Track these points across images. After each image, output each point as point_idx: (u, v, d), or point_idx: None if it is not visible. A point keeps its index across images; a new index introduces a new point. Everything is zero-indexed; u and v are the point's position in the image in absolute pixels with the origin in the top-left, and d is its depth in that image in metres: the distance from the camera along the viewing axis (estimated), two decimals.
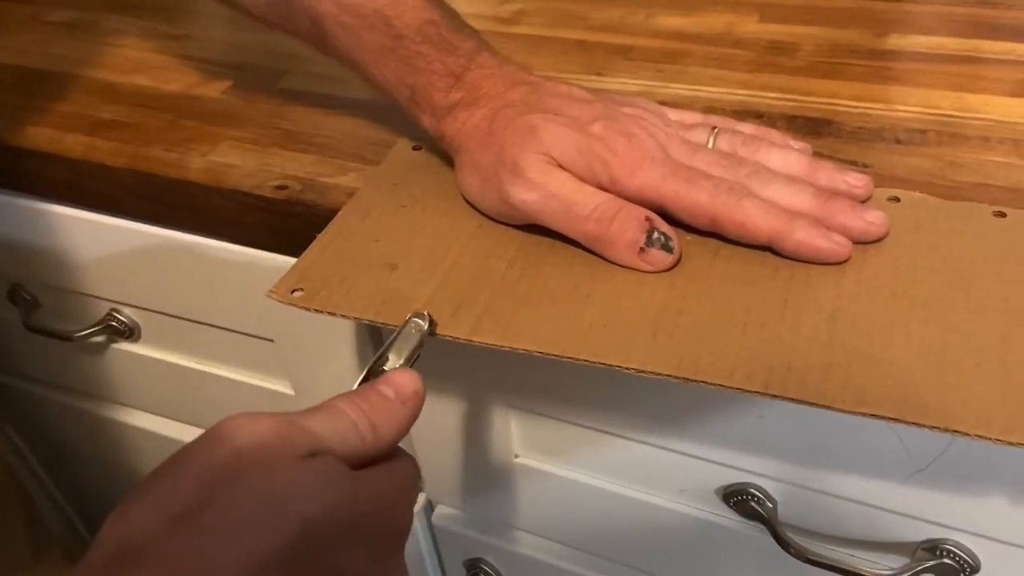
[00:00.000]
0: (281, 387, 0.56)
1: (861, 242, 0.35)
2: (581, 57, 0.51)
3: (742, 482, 0.44)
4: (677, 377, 0.31)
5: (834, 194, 0.36)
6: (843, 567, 0.41)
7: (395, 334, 0.33)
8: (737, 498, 0.44)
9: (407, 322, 0.34)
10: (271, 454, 0.25)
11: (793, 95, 0.45)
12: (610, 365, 0.32)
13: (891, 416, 0.29)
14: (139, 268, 0.53)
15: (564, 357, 0.32)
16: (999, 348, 0.30)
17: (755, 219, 0.35)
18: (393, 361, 0.32)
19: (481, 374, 0.45)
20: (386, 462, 0.29)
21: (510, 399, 0.46)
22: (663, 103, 0.42)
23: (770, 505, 0.43)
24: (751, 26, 0.52)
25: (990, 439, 0.28)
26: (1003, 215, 0.36)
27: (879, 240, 0.35)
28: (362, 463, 0.28)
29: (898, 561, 0.41)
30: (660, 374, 0.31)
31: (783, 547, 0.42)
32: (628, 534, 0.50)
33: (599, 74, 0.49)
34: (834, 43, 0.49)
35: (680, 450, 0.43)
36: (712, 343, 0.32)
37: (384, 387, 0.30)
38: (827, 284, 0.34)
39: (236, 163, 0.44)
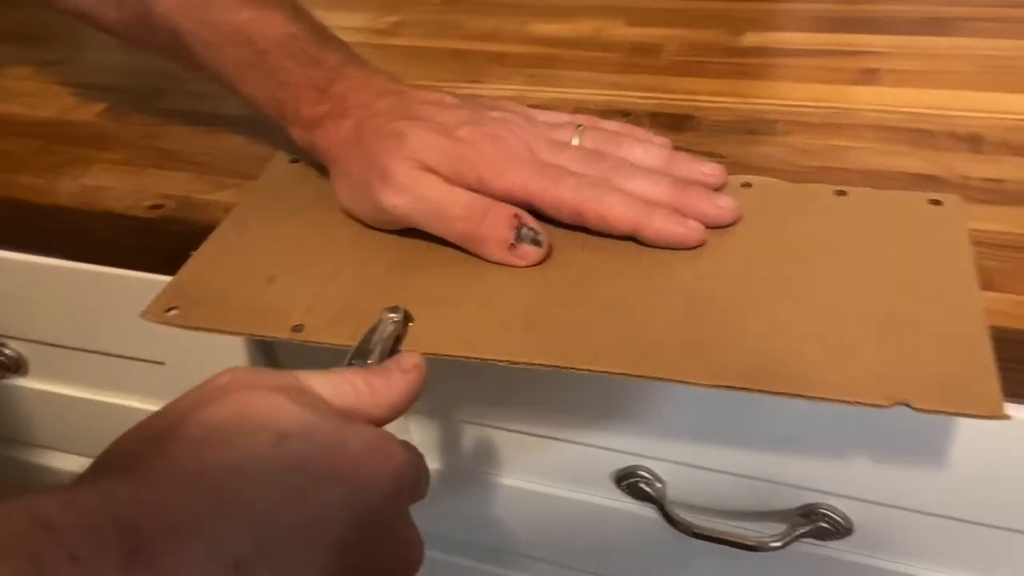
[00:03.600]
0: None
1: (716, 226, 0.37)
2: (457, 66, 0.53)
3: (631, 465, 0.46)
4: (548, 366, 0.32)
5: (690, 184, 0.38)
6: (729, 538, 0.43)
7: (368, 332, 0.33)
8: (628, 481, 0.46)
9: (380, 319, 0.34)
10: (250, 383, 0.25)
11: (657, 93, 0.48)
12: (485, 359, 0.33)
13: (742, 386, 0.31)
14: (20, 299, 0.51)
15: (440, 355, 0.33)
16: (838, 316, 0.33)
17: (616, 211, 0.36)
18: (375, 357, 0.32)
19: None
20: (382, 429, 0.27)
21: None
22: (534, 106, 0.43)
23: (659, 485, 0.45)
24: (618, 30, 0.54)
25: (831, 400, 0.30)
26: (844, 193, 0.38)
27: (733, 223, 0.37)
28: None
29: (779, 528, 0.43)
30: (533, 364, 0.32)
31: (672, 525, 0.44)
32: (529, 527, 0.51)
33: (474, 81, 0.51)
34: (695, 43, 0.52)
35: (572, 439, 0.45)
36: (581, 330, 0.34)
37: (385, 363, 0.30)
38: (686, 267, 0.36)
39: (109, 185, 0.44)
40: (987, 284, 0.33)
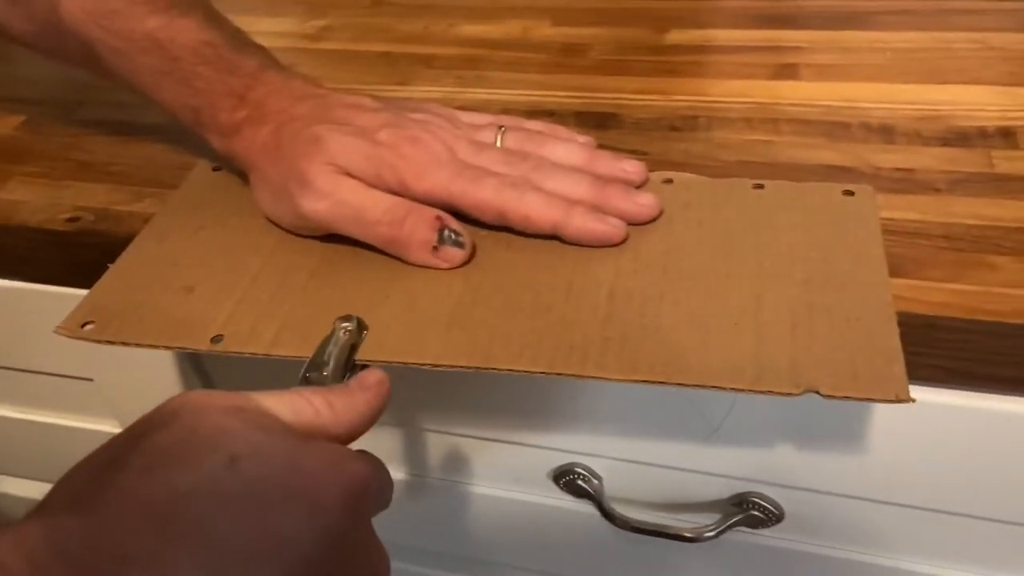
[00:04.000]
0: (109, 427, 0.54)
1: (637, 223, 0.38)
2: (385, 69, 0.53)
3: (568, 463, 0.46)
4: (469, 367, 0.32)
5: (611, 182, 0.38)
6: (665, 531, 0.44)
7: (322, 343, 0.33)
8: (566, 479, 0.46)
9: (333, 329, 0.33)
10: (200, 407, 0.24)
11: (582, 93, 0.48)
12: (406, 362, 0.33)
13: (658, 380, 0.31)
14: None
15: (363, 361, 0.33)
16: (753, 308, 0.33)
17: (538, 210, 0.36)
18: (330, 369, 0.31)
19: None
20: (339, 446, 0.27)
21: None
22: (462, 108, 0.43)
23: (596, 482, 0.46)
24: (545, 30, 0.55)
25: (743, 390, 0.30)
26: (761, 187, 0.39)
27: (653, 220, 0.38)
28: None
29: (712, 518, 0.43)
30: (454, 366, 0.32)
31: (609, 520, 0.45)
32: (471, 529, 0.51)
33: (402, 84, 0.51)
34: (621, 42, 0.52)
35: (509, 439, 0.45)
36: (502, 330, 0.34)
37: (347, 381, 0.29)
38: (607, 264, 0.36)
39: (25, 199, 0.43)
40: (896, 271, 0.34)
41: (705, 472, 0.43)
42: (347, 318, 0.34)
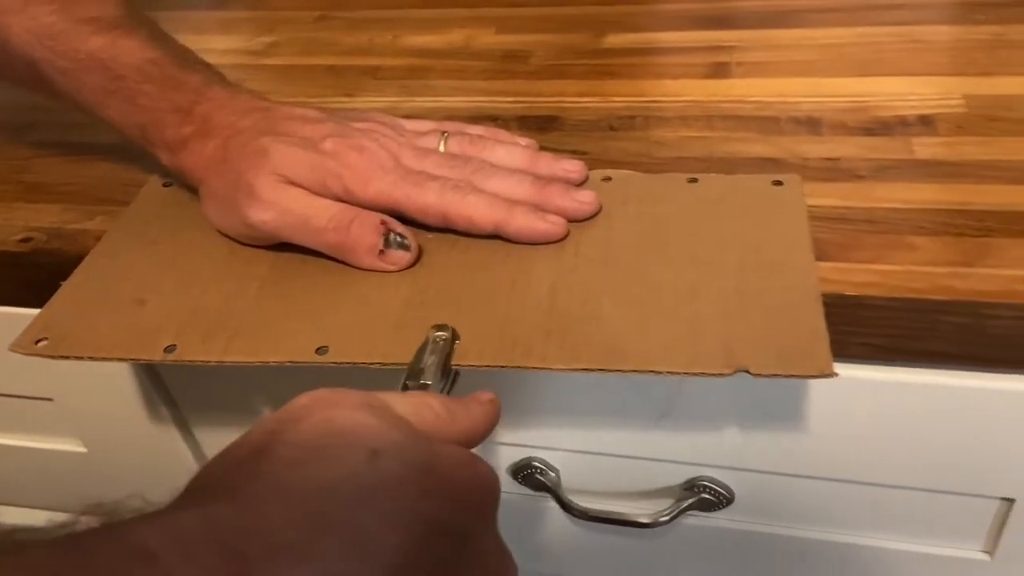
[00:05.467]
0: (71, 446, 0.54)
1: (577, 220, 0.39)
2: (331, 81, 0.54)
3: (526, 457, 0.47)
4: None
5: (551, 181, 0.40)
6: (621, 519, 0.45)
7: (418, 352, 0.33)
8: (524, 473, 0.47)
9: (428, 338, 0.34)
10: (332, 402, 0.25)
11: (525, 97, 0.49)
12: (356, 363, 0.34)
13: (598, 367, 0.32)
14: None
15: (313, 363, 0.34)
16: (688, 296, 0.35)
17: (480, 211, 0.38)
18: (429, 376, 0.32)
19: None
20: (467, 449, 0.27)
21: None
22: (407, 116, 0.44)
23: (552, 474, 0.47)
24: (489, 38, 0.56)
25: (678, 373, 0.32)
26: (695, 180, 0.41)
27: (593, 216, 0.39)
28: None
29: (666, 504, 0.45)
30: (400, 364, 0.33)
31: (567, 511, 0.46)
32: None
33: (348, 95, 0.52)
34: (562, 47, 0.54)
35: None
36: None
37: (468, 396, 0.30)
38: (549, 261, 0.37)
39: None
40: (822, 255, 0.35)
41: (657, 459, 0.44)
42: (442, 327, 0.34)
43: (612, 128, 0.46)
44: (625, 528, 0.46)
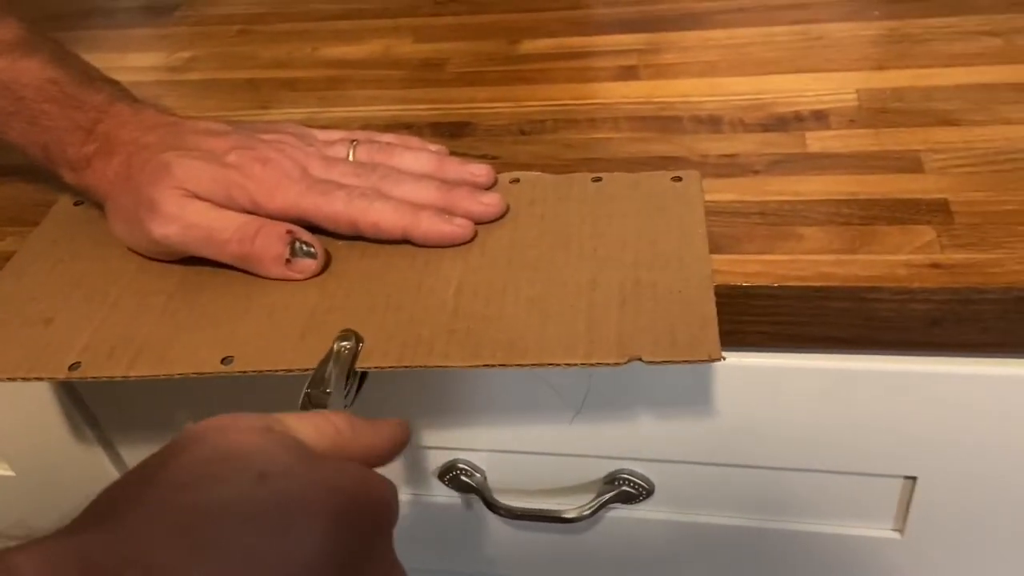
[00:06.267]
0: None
1: (484, 222, 0.40)
2: (249, 95, 0.54)
3: (451, 460, 0.47)
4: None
5: (458, 185, 0.41)
6: (546, 516, 0.46)
7: (322, 361, 0.33)
8: (451, 475, 0.48)
9: (332, 348, 0.34)
10: (225, 427, 0.25)
11: (439, 104, 0.50)
12: (261, 371, 0.34)
13: (499, 363, 0.33)
14: None
15: (218, 374, 0.34)
16: (588, 290, 0.36)
17: (386, 217, 0.38)
18: (330, 384, 0.32)
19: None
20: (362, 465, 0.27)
21: None
22: (322, 127, 0.45)
23: (478, 475, 0.47)
24: (406, 47, 0.57)
25: (575, 364, 0.33)
26: (600, 180, 0.42)
27: (500, 218, 0.40)
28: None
29: (588, 498, 0.46)
30: (307, 369, 0.34)
31: (494, 511, 0.46)
32: None
33: (264, 108, 0.52)
34: (477, 54, 0.55)
35: None
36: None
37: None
38: (455, 263, 0.38)
39: None
40: (716, 247, 0.37)
41: (578, 455, 0.45)
42: (345, 336, 0.35)
43: (523, 132, 0.47)
44: (553, 524, 0.47)
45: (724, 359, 0.31)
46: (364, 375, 0.34)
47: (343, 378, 0.33)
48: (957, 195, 0.37)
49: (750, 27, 0.53)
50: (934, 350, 0.36)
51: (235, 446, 0.24)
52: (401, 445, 0.30)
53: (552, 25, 0.57)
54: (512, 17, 0.59)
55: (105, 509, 0.23)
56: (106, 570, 0.20)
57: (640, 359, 0.32)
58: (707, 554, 0.48)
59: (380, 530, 0.25)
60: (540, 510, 0.46)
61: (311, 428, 0.27)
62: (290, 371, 0.34)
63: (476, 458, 0.47)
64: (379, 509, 0.25)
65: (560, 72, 0.52)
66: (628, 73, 0.50)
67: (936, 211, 0.37)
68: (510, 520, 0.48)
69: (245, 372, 0.34)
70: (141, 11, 0.69)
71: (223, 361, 0.35)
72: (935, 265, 0.34)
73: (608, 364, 0.32)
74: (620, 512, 0.48)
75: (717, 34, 0.52)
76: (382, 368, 0.34)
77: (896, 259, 0.35)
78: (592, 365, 0.32)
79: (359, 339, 0.35)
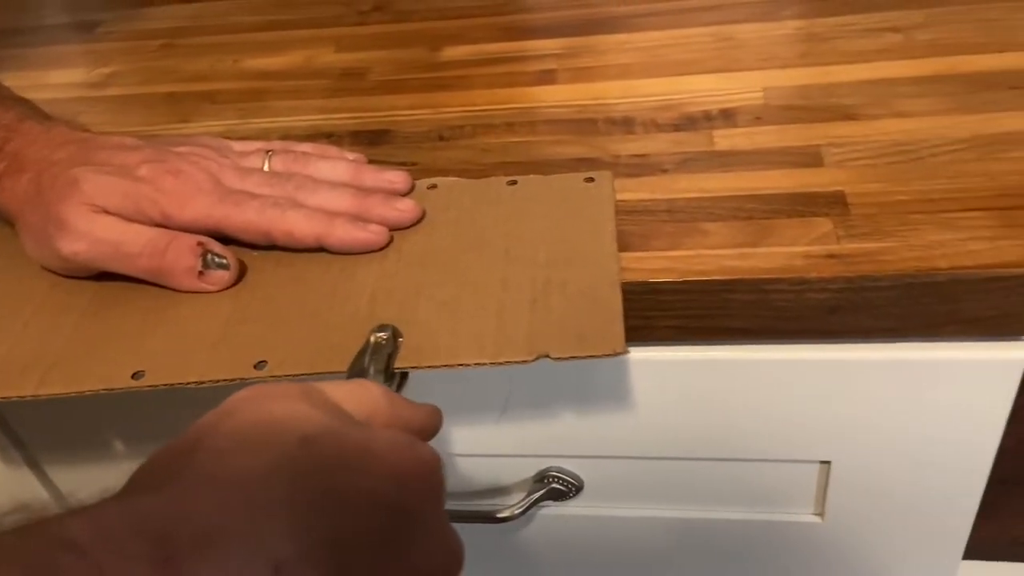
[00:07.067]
0: None
1: (399, 228, 0.40)
2: (169, 108, 0.54)
3: None
4: (232, 380, 0.34)
5: (373, 192, 0.41)
6: (479, 516, 0.46)
7: (358, 353, 0.33)
8: None
9: (368, 340, 0.34)
10: (267, 394, 0.25)
11: (359, 113, 0.50)
12: (171, 384, 0.34)
13: (409, 366, 0.33)
14: None
15: (129, 388, 0.34)
16: (499, 291, 0.36)
17: (300, 226, 0.38)
18: (371, 376, 0.32)
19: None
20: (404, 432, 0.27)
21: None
22: (243, 139, 0.45)
23: None
24: (328, 57, 0.57)
25: (485, 363, 0.33)
26: (515, 183, 0.42)
27: (416, 223, 0.40)
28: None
29: (520, 497, 0.46)
30: (217, 381, 0.34)
31: None
32: None
33: (184, 121, 0.52)
34: (399, 62, 0.55)
35: None
36: (269, 342, 0.35)
37: None
38: (371, 269, 0.38)
39: None
40: (625, 245, 0.37)
41: (507, 455, 0.46)
42: (383, 327, 0.34)
43: (442, 138, 0.47)
44: (486, 526, 0.48)
45: (628, 352, 0.32)
46: (406, 375, 0.34)
47: (381, 370, 0.33)
48: (854, 187, 0.39)
49: (665, 30, 0.54)
50: (833, 337, 0.37)
51: (277, 413, 0.24)
52: (434, 430, 0.30)
53: (474, 32, 0.57)
54: (435, 25, 0.59)
55: (153, 476, 0.23)
56: (161, 533, 0.20)
57: (548, 356, 0.33)
58: (638, 547, 0.49)
59: (427, 496, 0.25)
60: (473, 511, 0.47)
61: (349, 395, 0.27)
62: (201, 383, 0.34)
63: None
64: (427, 472, 0.25)
65: (481, 78, 0.52)
66: (547, 77, 0.51)
67: (834, 203, 0.38)
68: None
69: (156, 386, 0.34)
70: (65, 28, 0.69)
71: (134, 376, 0.34)
72: (831, 255, 0.35)
73: (516, 362, 0.33)
74: (553, 509, 0.48)
75: (634, 37, 0.54)
76: (293, 376, 0.34)
77: (794, 251, 0.36)
78: (501, 364, 0.33)
79: (397, 333, 0.35)
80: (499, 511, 0.46)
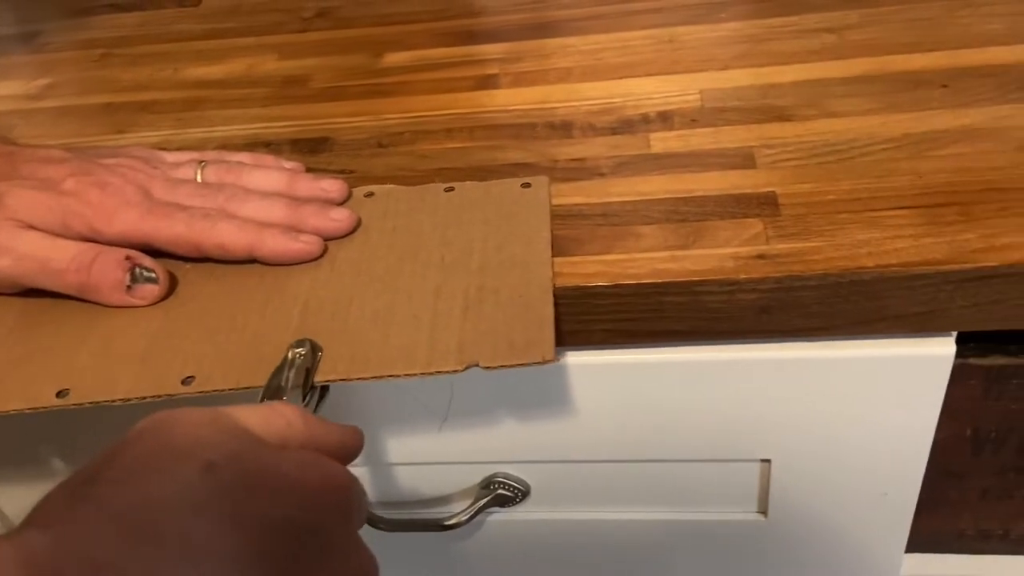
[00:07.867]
0: None
1: (334, 238, 0.40)
2: (105, 119, 0.53)
3: None
4: (159, 396, 0.33)
5: (308, 202, 0.40)
6: (427, 524, 0.46)
7: (275, 369, 0.33)
8: None
9: (286, 356, 0.33)
10: (172, 420, 0.24)
11: (299, 121, 0.50)
12: (98, 402, 0.34)
13: (339, 378, 0.33)
14: None
15: (54, 407, 0.33)
16: (432, 299, 0.36)
17: (231, 237, 0.38)
18: (288, 393, 0.31)
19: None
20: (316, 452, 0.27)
21: None
22: (179, 149, 0.44)
23: None
24: (270, 65, 0.56)
25: (416, 374, 0.33)
26: (452, 189, 0.42)
27: (351, 232, 0.40)
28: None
29: (466, 504, 0.46)
30: (144, 397, 0.33)
31: (373, 525, 0.46)
32: None
33: (120, 132, 0.51)
34: (340, 69, 0.55)
35: None
36: (196, 355, 0.35)
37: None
38: (304, 279, 0.38)
39: None
40: (560, 251, 0.37)
41: (451, 462, 0.46)
42: (300, 342, 0.34)
43: (381, 145, 0.47)
44: (433, 534, 0.47)
45: (557, 360, 0.32)
46: (326, 388, 0.34)
47: (299, 387, 0.32)
48: (785, 188, 0.39)
49: (606, 33, 0.54)
50: (766, 337, 0.37)
51: (180, 438, 0.24)
52: (355, 449, 0.30)
53: (416, 38, 0.57)
54: (377, 31, 0.59)
55: (48, 510, 0.22)
56: (47, 568, 0.19)
57: (478, 365, 0.33)
58: (586, 550, 0.49)
59: (336, 515, 0.25)
60: (420, 519, 0.46)
61: (260, 419, 0.27)
62: (127, 399, 0.33)
63: (355, 473, 0.47)
64: (336, 490, 0.25)
65: (422, 84, 0.52)
66: (488, 82, 0.51)
67: (765, 204, 0.38)
68: (393, 533, 0.48)
69: (81, 404, 0.34)
70: (5, 39, 0.67)
71: (58, 394, 0.34)
72: (761, 256, 0.36)
73: (447, 372, 0.33)
74: (500, 515, 0.48)
75: (575, 41, 0.54)
76: (222, 391, 0.33)
77: (725, 252, 0.36)
78: (432, 374, 0.33)
79: (316, 347, 0.34)
80: (446, 519, 0.46)
